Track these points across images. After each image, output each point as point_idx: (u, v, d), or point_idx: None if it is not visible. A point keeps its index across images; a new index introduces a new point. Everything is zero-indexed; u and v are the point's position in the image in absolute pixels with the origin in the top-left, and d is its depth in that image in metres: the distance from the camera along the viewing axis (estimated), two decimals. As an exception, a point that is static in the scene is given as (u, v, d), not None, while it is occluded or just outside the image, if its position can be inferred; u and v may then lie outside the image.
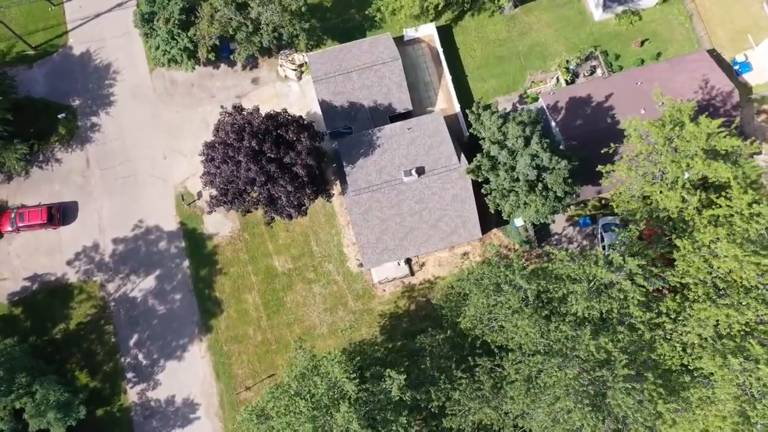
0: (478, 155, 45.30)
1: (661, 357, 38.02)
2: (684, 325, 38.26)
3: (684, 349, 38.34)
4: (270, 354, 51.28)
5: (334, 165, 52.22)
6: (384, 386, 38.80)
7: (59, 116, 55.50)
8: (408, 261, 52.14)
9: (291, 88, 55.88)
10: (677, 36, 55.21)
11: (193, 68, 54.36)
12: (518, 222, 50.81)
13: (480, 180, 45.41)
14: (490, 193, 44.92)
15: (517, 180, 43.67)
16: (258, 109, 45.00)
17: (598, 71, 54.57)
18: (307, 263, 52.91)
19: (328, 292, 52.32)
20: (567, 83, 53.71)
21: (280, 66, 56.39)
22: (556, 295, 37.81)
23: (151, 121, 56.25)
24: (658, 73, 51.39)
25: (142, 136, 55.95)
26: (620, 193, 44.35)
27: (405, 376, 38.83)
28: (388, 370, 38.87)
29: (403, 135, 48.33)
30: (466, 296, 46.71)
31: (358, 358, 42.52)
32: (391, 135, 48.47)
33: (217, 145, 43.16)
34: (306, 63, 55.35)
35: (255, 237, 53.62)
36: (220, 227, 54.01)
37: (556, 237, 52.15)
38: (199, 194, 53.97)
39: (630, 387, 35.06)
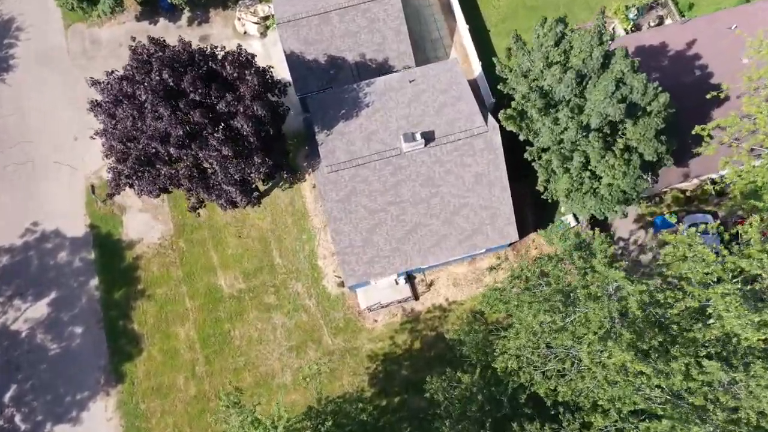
0: (520, 88, 29.72)
1: None
2: None
3: None
4: (206, 414, 34.75)
5: (307, 147, 37.11)
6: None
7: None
8: (410, 278, 36.30)
9: (252, 47, 41.40)
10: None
11: (111, 11, 39.91)
12: (570, 219, 35.31)
13: (523, 136, 30.01)
14: (539, 158, 29.48)
15: (587, 128, 27.93)
16: (187, 43, 30.09)
17: (668, 21, 40.25)
18: (266, 282, 37.08)
19: (295, 323, 36.27)
20: (628, 33, 39.27)
21: (239, 20, 42.20)
22: (675, 311, 21.87)
23: (62, 91, 41.51)
24: (754, 15, 37.04)
25: (48, 111, 41.09)
26: (744, 172, 28.65)
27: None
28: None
29: (403, 90, 33.42)
30: (500, 328, 30.74)
31: (330, 422, 26.23)
32: (386, 90, 33.55)
33: (111, 83, 28.11)
34: (272, 15, 41.18)
35: (194, 245, 37.98)
36: (145, 232, 38.43)
37: (621, 246, 36.49)
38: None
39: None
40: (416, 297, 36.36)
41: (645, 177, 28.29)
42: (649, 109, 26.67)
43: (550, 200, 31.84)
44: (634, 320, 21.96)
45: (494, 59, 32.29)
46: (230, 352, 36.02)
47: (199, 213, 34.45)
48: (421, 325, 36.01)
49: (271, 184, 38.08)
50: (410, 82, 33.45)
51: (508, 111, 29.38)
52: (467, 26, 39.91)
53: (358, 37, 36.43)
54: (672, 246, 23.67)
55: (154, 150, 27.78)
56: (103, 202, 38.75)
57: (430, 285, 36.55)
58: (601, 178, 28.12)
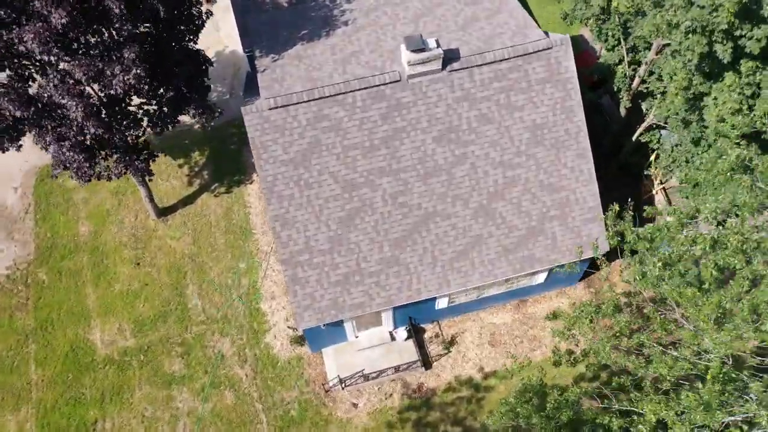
0: None
1: None
2: None
3: None
4: None
5: (243, 95, 23.37)
6: None
7: None
8: (415, 329, 21.10)
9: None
10: None
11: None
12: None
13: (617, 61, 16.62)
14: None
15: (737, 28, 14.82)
16: None
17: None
18: (171, 337, 21.82)
19: (213, 409, 20.51)
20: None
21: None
22: None
23: None
24: None
25: None
26: None
27: None
28: None
29: (406, 4, 20.35)
30: (568, 401, 15.01)
31: None
32: (378, 5, 20.46)
33: None
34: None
35: (62, 278, 23.11)
36: (-13, 256, 23.82)
37: None
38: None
39: None
40: (427, 363, 20.87)
41: None
42: None
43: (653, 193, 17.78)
44: None
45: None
46: (91, 462, 19.95)
47: (56, 176, 20.17)
48: (437, 414, 20.16)
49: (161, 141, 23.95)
50: (417, -9, 20.47)
51: None
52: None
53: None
54: None
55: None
56: (-70, 210, 24.53)
57: (450, 343, 21.18)
58: None
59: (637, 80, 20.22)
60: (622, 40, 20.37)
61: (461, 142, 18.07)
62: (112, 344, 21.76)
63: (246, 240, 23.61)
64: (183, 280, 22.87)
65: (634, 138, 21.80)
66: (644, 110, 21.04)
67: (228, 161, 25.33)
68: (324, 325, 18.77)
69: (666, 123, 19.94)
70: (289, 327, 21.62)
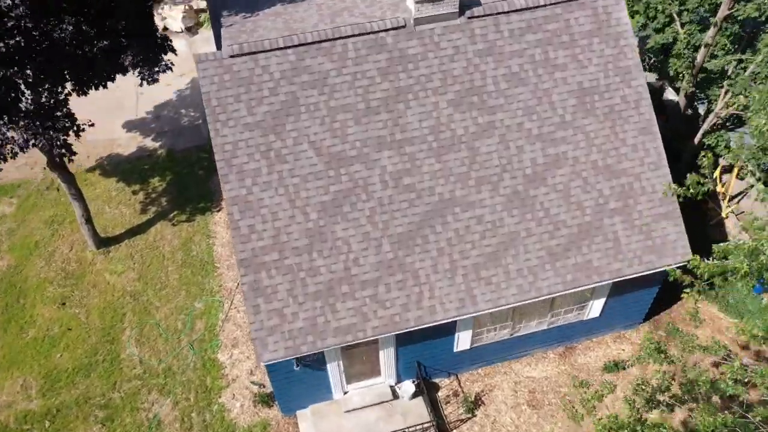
0: None
1: None
2: None
3: None
4: None
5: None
6: None
7: None
8: (422, 378, 15.33)
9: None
10: None
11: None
12: None
13: None
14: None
15: None
16: None
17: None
18: (92, 396, 15.98)
19: (138, 497, 14.29)
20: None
21: (159, 15, 27.69)
22: None
23: None
24: None
25: None
26: None
27: None
28: None
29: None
30: None
31: None
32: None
33: None
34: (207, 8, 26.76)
35: (-37, 324, 17.61)
36: None
37: None
38: None
39: None
40: (443, 431, 14.90)
41: None
42: None
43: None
44: None
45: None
46: None
47: None
48: (459, 505, 13.92)
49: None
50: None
51: None
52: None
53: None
54: None
55: None
56: None
57: (474, 404, 15.30)
58: None
59: (701, 56, 16.14)
60: (675, 16, 16.59)
61: (486, 108, 13.59)
62: (9, 407, 15.87)
63: (207, 275, 18.41)
64: (119, 324, 17.39)
65: (697, 139, 17.38)
66: (702, 107, 16.85)
67: (193, 186, 20.74)
68: (299, 363, 13.22)
69: (744, 113, 15.55)
70: (253, 383, 15.89)
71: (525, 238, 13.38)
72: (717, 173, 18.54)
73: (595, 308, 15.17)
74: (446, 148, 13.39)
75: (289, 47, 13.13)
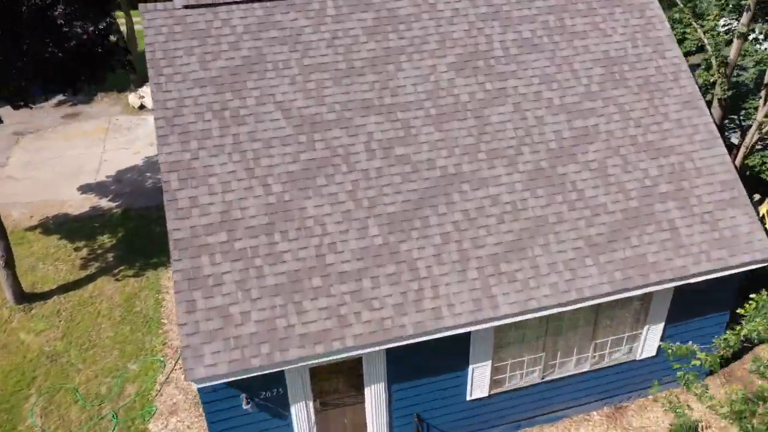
0: None
1: None
2: None
3: None
4: None
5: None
6: None
7: None
8: (431, 444, 11.07)
9: (146, 121, 24.51)
10: None
11: None
12: None
13: None
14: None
15: None
16: None
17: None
18: (-35, 479, 11.49)
19: None
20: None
21: (138, 95, 26.34)
22: None
23: None
24: None
25: None
26: None
27: None
28: None
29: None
30: None
31: None
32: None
33: None
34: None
35: None
36: None
37: None
38: None
39: None
40: None
41: None
42: None
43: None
44: None
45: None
46: None
47: None
48: None
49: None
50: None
51: None
52: None
53: None
54: None
55: None
56: None
57: (498, 482, 10.92)
58: None
59: (734, 50, 14.12)
60: (695, 24, 14.90)
61: (495, 75, 11.12)
62: None
63: (149, 332, 14.60)
64: (24, 390, 13.26)
65: (738, 161, 14.82)
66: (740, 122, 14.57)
67: (147, 241, 17.54)
68: (250, 399, 9.32)
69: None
70: (192, 457, 11.53)
71: (555, 224, 10.19)
72: (764, 210, 15.71)
73: (650, 341, 11.47)
74: (448, 116, 10.68)
75: (256, 0, 10.95)
